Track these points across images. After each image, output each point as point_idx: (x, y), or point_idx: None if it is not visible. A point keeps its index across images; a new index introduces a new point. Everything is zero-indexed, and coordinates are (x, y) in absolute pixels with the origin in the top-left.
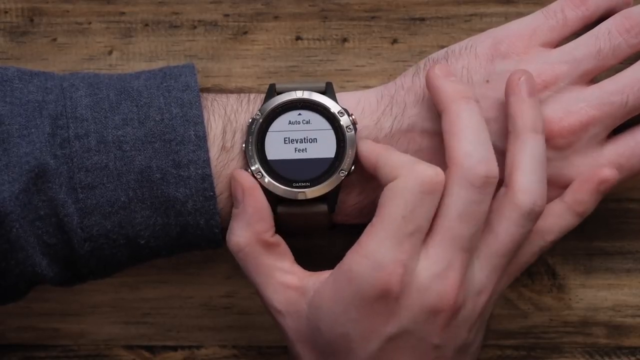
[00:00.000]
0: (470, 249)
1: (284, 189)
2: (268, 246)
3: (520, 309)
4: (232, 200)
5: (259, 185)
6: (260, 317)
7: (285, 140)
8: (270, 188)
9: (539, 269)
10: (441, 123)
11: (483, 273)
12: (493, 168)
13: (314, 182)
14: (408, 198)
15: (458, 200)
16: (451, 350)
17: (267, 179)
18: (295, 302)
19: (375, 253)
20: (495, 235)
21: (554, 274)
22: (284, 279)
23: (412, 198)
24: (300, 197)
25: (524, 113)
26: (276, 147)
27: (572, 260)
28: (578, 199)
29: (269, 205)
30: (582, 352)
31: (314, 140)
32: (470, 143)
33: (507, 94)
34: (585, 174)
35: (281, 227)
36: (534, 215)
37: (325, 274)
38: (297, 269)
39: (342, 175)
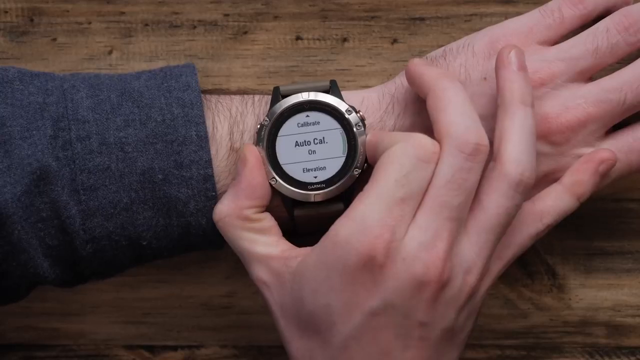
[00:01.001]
0: (458, 219)
1: (299, 192)
2: (249, 221)
3: (520, 309)
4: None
5: (261, 164)
6: (260, 317)
7: (296, 144)
8: (285, 192)
9: (538, 269)
10: (427, 104)
11: (472, 249)
12: (482, 136)
13: (328, 182)
14: (403, 162)
15: (446, 167)
16: (437, 331)
17: (280, 183)
18: (279, 272)
19: (363, 216)
20: (484, 208)
21: (554, 274)
22: (267, 250)
23: (407, 162)
24: (316, 199)
25: (513, 85)
26: (288, 151)
27: (572, 260)
28: (577, 180)
29: (265, 185)
30: (582, 352)
31: (324, 140)
32: (457, 114)
33: (497, 67)
34: (585, 156)
35: (299, 228)
36: (522, 187)
37: (312, 247)
38: (284, 242)
39: (355, 173)
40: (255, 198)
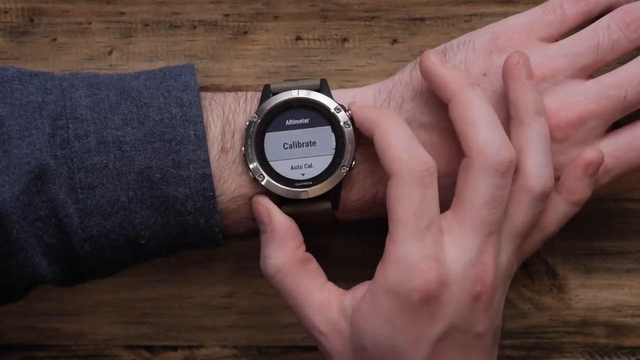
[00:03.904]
0: (498, 232)
1: (286, 189)
2: (303, 263)
3: (520, 309)
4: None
5: (277, 207)
6: (260, 317)
7: (284, 141)
8: (272, 188)
9: (539, 269)
10: (450, 112)
11: (505, 255)
12: (513, 152)
13: (315, 180)
14: (412, 194)
15: (485, 188)
16: (490, 336)
17: (268, 180)
18: (335, 322)
19: (403, 256)
20: (510, 217)
21: (554, 274)
22: (322, 298)
23: (415, 193)
24: (303, 196)
25: (526, 97)
26: (275, 148)
27: (572, 260)
28: (570, 188)
29: (294, 222)
30: (582, 352)
31: (312, 138)
32: (487, 131)
33: (506, 78)
34: (572, 162)
35: None
36: (545, 196)
37: (360, 290)
38: (331, 286)
39: (343, 171)
40: (296, 236)
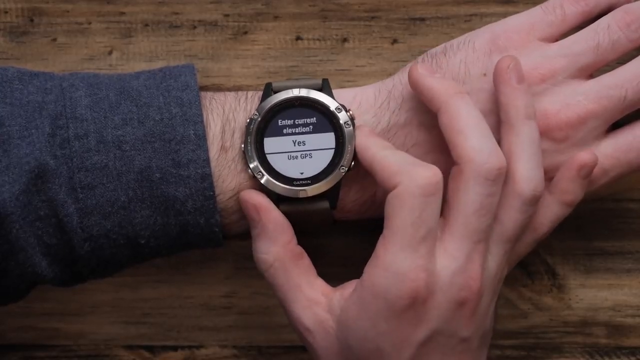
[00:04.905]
0: (486, 239)
1: (285, 188)
2: (295, 258)
3: (520, 309)
4: (244, 215)
5: (270, 201)
6: (260, 317)
7: (283, 139)
8: (271, 187)
9: (539, 269)
10: (439, 121)
11: (494, 260)
12: (503, 159)
13: (314, 179)
14: (413, 204)
15: (474, 196)
16: (476, 341)
17: (267, 178)
18: (323, 320)
19: (394, 264)
20: (501, 223)
21: (554, 274)
22: (311, 294)
23: (417, 203)
24: (302, 195)
25: (517, 101)
26: (275, 146)
27: (572, 260)
28: (563, 189)
29: (284, 217)
30: (582, 352)
31: (312, 137)
32: (477, 138)
33: (496, 82)
34: (566, 163)
35: None
36: (535, 200)
37: (349, 288)
38: (321, 282)
39: (342, 171)
40: (287, 229)
